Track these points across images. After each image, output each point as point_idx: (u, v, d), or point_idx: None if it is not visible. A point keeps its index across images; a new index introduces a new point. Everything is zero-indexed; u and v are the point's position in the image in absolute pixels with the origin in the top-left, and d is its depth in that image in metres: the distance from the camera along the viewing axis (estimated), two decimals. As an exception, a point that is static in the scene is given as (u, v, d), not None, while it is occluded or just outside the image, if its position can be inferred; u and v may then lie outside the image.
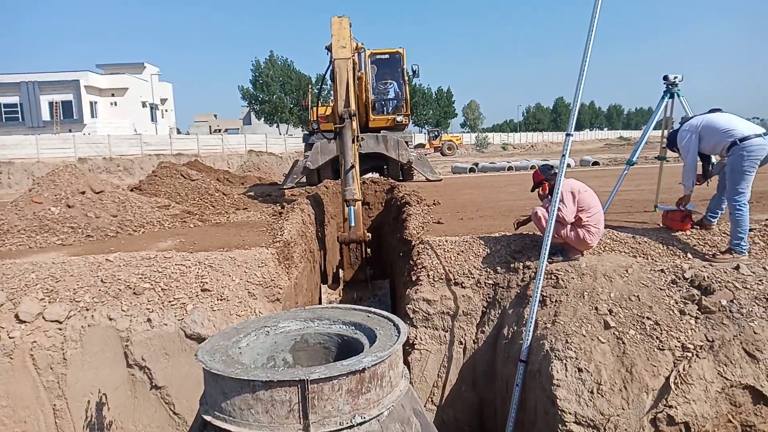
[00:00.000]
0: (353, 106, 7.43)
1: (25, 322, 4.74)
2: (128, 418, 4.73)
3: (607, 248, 5.27)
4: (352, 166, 7.14)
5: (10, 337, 4.65)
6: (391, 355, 2.80)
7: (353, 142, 7.37)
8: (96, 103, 45.32)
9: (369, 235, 7.36)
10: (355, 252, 7.25)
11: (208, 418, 2.62)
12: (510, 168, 24.46)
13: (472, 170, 25.15)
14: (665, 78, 6.11)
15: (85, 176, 7.47)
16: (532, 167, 23.26)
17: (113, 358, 4.75)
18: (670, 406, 3.89)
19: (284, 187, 13.02)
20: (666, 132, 6.22)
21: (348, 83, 7.54)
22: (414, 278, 5.47)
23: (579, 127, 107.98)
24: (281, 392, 2.50)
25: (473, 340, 5.11)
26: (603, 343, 4.21)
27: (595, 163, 24.81)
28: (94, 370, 4.72)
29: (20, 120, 42.50)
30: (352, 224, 7.06)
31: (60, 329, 4.76)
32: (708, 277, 4.58)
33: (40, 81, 42.42)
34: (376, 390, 2.73)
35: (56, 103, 42.20)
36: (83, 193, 7.11)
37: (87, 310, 4.86)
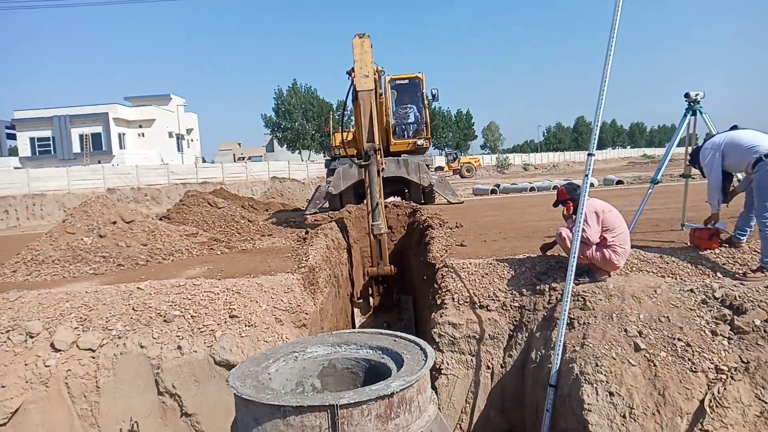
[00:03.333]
0: (378, 141, 7.55)
1: (60, 350, 4.86)
2: (159, 445, 4.78)
3: (634, 268, 5.21)
4: (378, 203, 7.39)
5: (45, 366, 4.77)
6: (419, 379, 2.82)
7: (378, 175, 7.57)
8: (124, 134, 46.73)
9: (395, 269, 7.89)
10: (382, 284, 7.90)
11: (240, 444, 2.65)
12: (532, 189, 24.30)
13: (493, 192, 25.09)
14: (687, 95, 6.09)
15: (116, 206, 7.70)
16: (554, 187, 23.11)
17: (144, 386, 4.83)
18: (706, 431, 3.79)
19: (307, 212, 13.17)
20: (689, 149, 6.17)
21: (372, 115, 7.63)
22: (439, 302, 5.47)
23: (601, 146, 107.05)
24: (311, 417, 2.53)
25: (500, 365, 5.06)
26: (634, 365, 4.14)
27: (619, 182, 24.52)
28: (125, 398, 4.79)
29: (52, 153, 44.01)
30: (380, 260, 7.63)
31: (93, 357, 4.86)
32: (739, 297, 4.49)
33: (71, 114, 44.00)
34: (405, 415, 2.74)
35: (86, 135, 43.63)
36: (114, 223, 7.33)
37: (119, 338, 4.96)
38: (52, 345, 4.88)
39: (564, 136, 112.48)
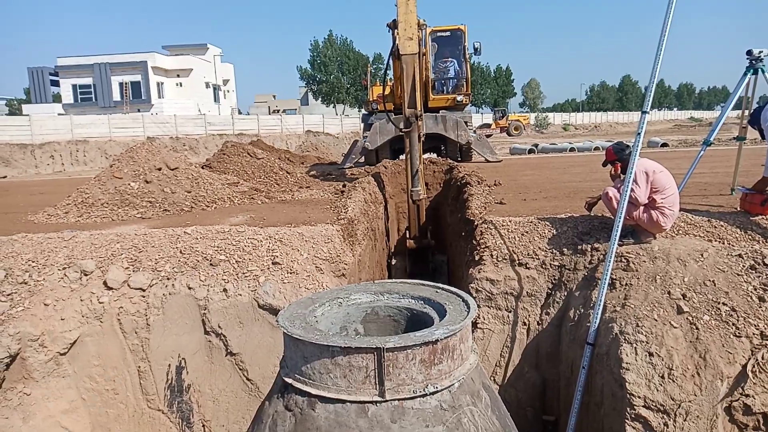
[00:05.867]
0: (420, 107, 7.44)
1: (112, 288, 5.11)
2: (205, 382, 5.04)
3: (680, 231, 5.10)
4: (418, 169, 7.38)
5: (99, 302, 5.03)
6: (462, 328, 2.87)
7: (419, 141, 7.52)
8: (162, 83, 47.18)
9: (433, 242, 8.24)
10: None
11: (288, 380, 2.76)
12: (572, 149, 23.72)
13: (531, 151, 24.60)
14: (749, 53, 5.77)
15: (161, 153, 7.88)
16: (596, 148, 22.47)
17: (192, 325, 5.06)
18: (747, 395, 3.77)
19: (344, 166, 13.21)
20: (747, 111, 5.90)
21: (415, 81, 7.49)
22: (477, 258, 5.49)
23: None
24: (358, 358, 2.62)
25: (537, 322, 5.09)
26: (675, 328, 4.11)
27: (664, 144, 23.71)
28: (174, 336, 5.04)
29: (93, 100, 44.87)
30: (418, 229, 8.05)
31: (143, 297, 5.10)
32: (791, 264, 4.37)
33: (111, 62, 44.53)
34: (448, 362, 2.80)
35: (126, 83, 44.24)
36: (160, 169, 7.51)
37: (168, 279, 5.17)
38: (104, 283, 5.12)
39: (608, 96, 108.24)
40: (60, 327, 4.84)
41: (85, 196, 7.16)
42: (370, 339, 2.78)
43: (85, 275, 5.18)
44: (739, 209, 5.58)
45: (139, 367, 5.02)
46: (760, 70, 5.76)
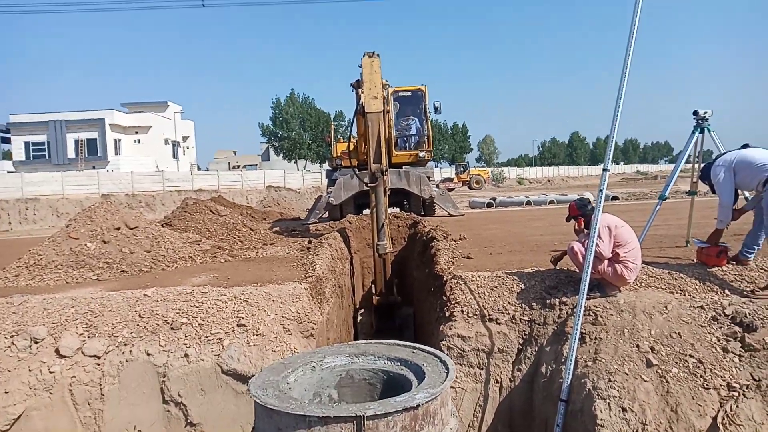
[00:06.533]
0: (385, 163, 7.60)
1: (65, 356, 4.80)
2: (163, 455, 4.71)
3: (643, 284, 5.22)
4: (384, 223, 7.47)
5: (50, 372, 4.70)
6: (442, 392, 2.81)
7: (384, 195, 7.63)
8: (120, 140, 46.59)
9: (399, 298, 8.38)
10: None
11: (262, 455, 2.62)
12: (528, 203, 24.39)
13: (489, 205, 25.13)
14: (695, 113, 6.15)
15: (120, 212, 7.65)
16: (551, 201, 23.21)
17: (150, 394, 4.77)
18: (720, 448, 3.78)
19: (308, 222, 13.15)
20: (698, 166, 6.23)
21: (380, 138, 7.67)
22: (447, 314, 5.45)
23: (595, 161, 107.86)
24: (337, 428, 2.51)
25: (509, 378, 5.04)
26: (646, 381, 4.13)
27: (615, 198, 24.66)
28: (130, 406, 4.72)
29: (47, 157, 43.76)
30: (384, 283, 8.04)
31: (98, 364, 4.80)
32: (749, 314, 4.50)
33: (67, 120, 43.83)
34: (429, 428, 2.72)
35: (82, 140, 43.47)
36: (118, 229, 7.27)
37: (125, 345, 4.90)
38: (57, 351, 4.81)
39: (559, 151, 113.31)
40: (3, 401, 4.48)
41: (38, 257, 6.83)
42: (349, 407, 2.68)
43: (36, 343, 4.86)
44: (695, 261, 5.78)
45: (92, 442, 4.66)
46: (706, 129, 6.14)
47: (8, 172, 36.77)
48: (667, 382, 4.13)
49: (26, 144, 44.57)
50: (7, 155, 47.07)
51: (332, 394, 3.32)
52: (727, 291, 5.07)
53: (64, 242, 7.02)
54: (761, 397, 3.98)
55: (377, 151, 7.62)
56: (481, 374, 5.11)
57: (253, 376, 3.28)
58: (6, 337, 4.88)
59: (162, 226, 9.26)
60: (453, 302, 5.49)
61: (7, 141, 46.72)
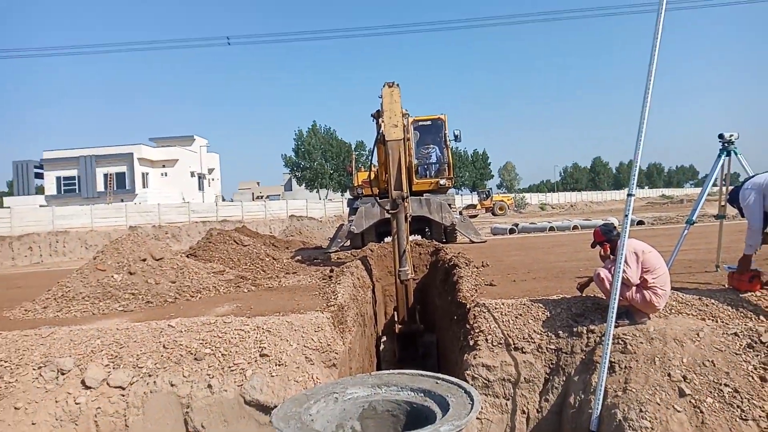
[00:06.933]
0: (405, 189, 7.65)
1: (90, 388, 4.84)
2: (186, 488, 4.67)
3: (673, 311, 5.07)
4: (405, 250, 7.44)
5: (76, 403, 4.74)
6: (467, 424, 2.74)
7: (405, 221, 7.64)
8: (147, 174, 47.71)
9: (422, 326, 8.11)
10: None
11: (285, 488, 2.58)
12: (552, 228, 24.06)
13: (512, 231, 24.89)
14: (721, 136, 6.06)
15: (146, 244, 7.78)
16: (575, 227, 22.86)
17: (173, 425, 4.76)
18: (762, 483, 3.60)
19: (330, 251, 13.18)
20: (725, 189, 6.10)
21: (401, 164, 7.74)
22: (472, 342, 5.36)
23: (618, 186, 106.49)
24: (359, 462, 2.46)
25: (536, 409, 4.90)
26: (679, 411, 3.98)
27: (640, 222, 24.21)
28: (154, 437, 4.72)
29: (77, 191, 44.99)
30: (406, 312, 7.93)
31: (123, 395, 4.83)
32: (787, 341, 4.34)
33: (97, 155, 45.14)
34: (454, 461, 2.65)
35: (111, 175, 44.63)
36: (144, 260, 7.39)
37: (149, 376, 4.92)
38: (82, 382, 4.86)
39: (581, 176, 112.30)
40: (31, 432, 4.51)
41: (66, 289, 6.96)
42: (372, 439, 2.63)
43: (62, 374, 4.92)
44: (727, 286, 5.61)
45: (115, 474, 4.65)
46: (732, 152, 6.03)
47: (40, 206, 37.86)
48: (701, 412, 3.98)
49: (58, 179, 45.95)
50: (40, 190, 48.56)
51: (355, 426, 3.27)
52: (761, 317, 4.89)
53: (91, 274, 7.15)
54: (804, 429, 3.80)
55: (398, 178, 7.66)
56: (507, 405, 4.99)
57: (275, 406, 3.26)
58: (34, 369, 4.95)
59: (187, 256, 9.38)
60: (477, 330, 5.40)
61: (40, 176, 48.26)
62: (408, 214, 8.11)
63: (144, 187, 46.56)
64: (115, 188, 44.13)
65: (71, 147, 46.62)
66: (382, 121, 8.39)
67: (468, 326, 5.62)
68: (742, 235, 5.47)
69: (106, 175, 44.78)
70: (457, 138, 13.83)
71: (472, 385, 5.07)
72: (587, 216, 37.57)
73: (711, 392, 4.11)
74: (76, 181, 45.66)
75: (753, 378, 4.15)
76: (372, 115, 9.94)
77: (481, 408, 5.06)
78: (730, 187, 5.79)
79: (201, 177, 52.95)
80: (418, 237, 13.88)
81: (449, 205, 13.17)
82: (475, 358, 5.18)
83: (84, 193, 44.46)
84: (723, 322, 4.86)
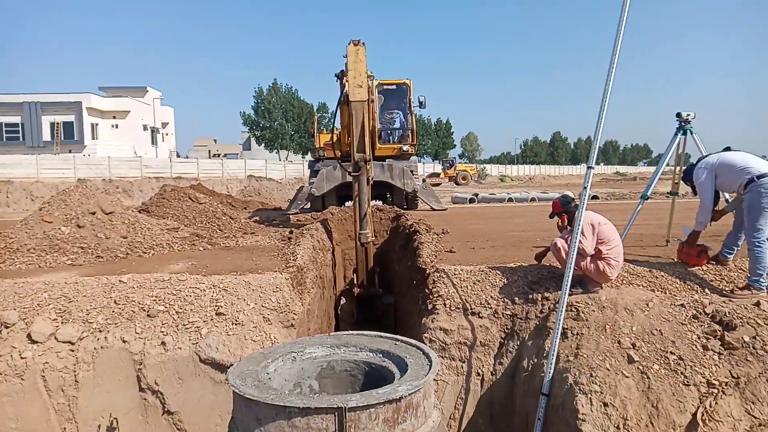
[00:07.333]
0: (368, 152, 7.52)
1: (37, 342, 4.65)
2: (138, 444, 4.60)
3: (624, 281, 5.25)
4: (367, 212, 7.40)
5: (21, 358, 4.56)
6: (425, 384, 2.76)
7: (367, 184, 7.55)
8: (97, 125, 45.51)
9: (381, 290, 8.36)
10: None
11: (241, 445, 2.55)
12: (510, 199, 24.49)
13: (471, 200, 25.20)
14: (678, 115, 6.20)
15: (95, 196, 7.44)
16: (533, 199, 23.36)
17: (125, 382, 4.65)
18: (698, 444, 3.82)
19: (289, 212, 13.01)
20: (682, 168, 6.28)
21: (364, 127, 7.58)
22: (430, 307, 5.42)
23: (576, 161, 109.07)
24: (318, 420, 2.45)
25: (491, 372, 5.03)
26: (627, 377, 4.15)
27: (595, 197, 24.92)
28: (105, 393, 4.61)
29: (21, 140, 42.54)
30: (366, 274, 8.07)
31: (72, 351, 4.67)
32: (729, 313, 4.56)
33: (43, 102, 42.63)
34: (411, 420, 2.68)
35: (58, 123, 42.35)
36: (93, 213, 7.07)
37: (100, 331, 4.77)
38: (28, 336, 4.66)
39: (540, 150, 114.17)
40: (-29, 387, 4.32)
41: (9, 241, 6.60)
42: (330, 398, 2.62)
43: (6, 328, 4.70)
44: (676, 260, 5.84)
45: (65, 428, 4.54)
46: (688, 131, 6.19)
47: (-20, 153, 35.72)
48: (648, 378, 4.16)
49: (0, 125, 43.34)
50: (-20, 136, 45.73)
51: (313, 385, 3.25)
52: (707, 290, 5.13)
53: (37, 225, 6.80)
54: (740, 394, 4.03)
55: (361, 140, 7.54)
56: (462, 367, 5.10)
57: (231, 365, 3.20)
58: (-26, 322, 4.71)
59: (139, 212, 9.06)
60: (436, 295, 5.46)
61: (-20, 122, 45.38)
62: (370, 177, 8.03)
63: (93, 138, 44.44)
64: (62, 138, 41.98)
65: (14, 92, 43.90)
66: (347, 81, 8.17)
67: (427, 291, 5.67)
68: (692, 213, 5.67)
69: (52, 124, 42.45)
70: (421, 105, 13.69)
71: (429, 347, 5.15)
72: (545, 189, 38.36)
73: (658, 359, 4.29)
74: (20, 129, 43.14)
75: (696, 347, 4.36)
76: (336, 75, 9.67)
77: (438, 370, 5.15)
78: (684, 167, 5.96)
79: (154, 131, 50.95)
80: (380, 203, 13.84)
81: (411, 171, 13.13)
82: (433, 321, 5.24)
83: (29, 141, 42.08)
84: (671, 293, 5.07)
